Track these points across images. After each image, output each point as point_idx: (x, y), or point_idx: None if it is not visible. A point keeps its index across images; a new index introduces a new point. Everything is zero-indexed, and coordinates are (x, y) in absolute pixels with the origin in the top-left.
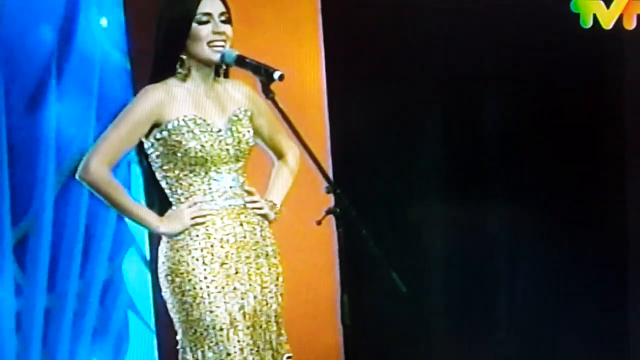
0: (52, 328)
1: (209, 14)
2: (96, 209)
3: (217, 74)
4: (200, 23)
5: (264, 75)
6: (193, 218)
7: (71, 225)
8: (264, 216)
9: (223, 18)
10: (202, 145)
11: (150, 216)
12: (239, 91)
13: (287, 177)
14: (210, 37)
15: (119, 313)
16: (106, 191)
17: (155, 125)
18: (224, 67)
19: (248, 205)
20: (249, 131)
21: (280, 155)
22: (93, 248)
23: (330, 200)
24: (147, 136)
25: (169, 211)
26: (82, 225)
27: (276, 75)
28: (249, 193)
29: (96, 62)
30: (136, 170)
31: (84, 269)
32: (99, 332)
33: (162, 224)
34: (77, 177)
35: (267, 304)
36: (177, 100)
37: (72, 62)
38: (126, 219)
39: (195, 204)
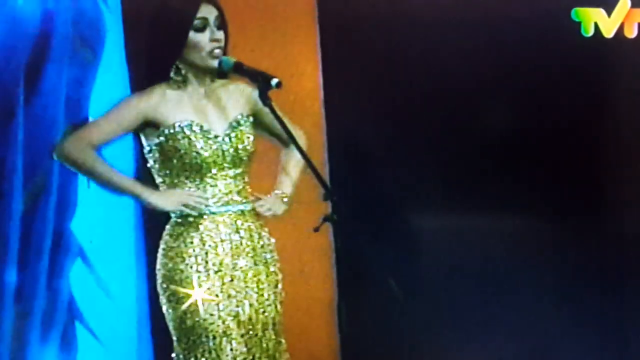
0: (21, 339)
1: (205, 19)
2: (63, 224)
3: (219, 76)
4: (198, 30)
5: (262, 82)
6: (185, 205)
7: (38, 240)
8: (275, 215)
9: (217, 23)
10: (197, 152)
11: (137, 186)
12: (242, 94)
13: (298, 160)
14: (208, 46)
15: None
16: (82, 164)
17: (150, 126)
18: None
19: (259, 210)
20: (248, 137)
21: (287, 142)
22: (59, 261)
23: (328, 208)
24: (146, 140)
25: (163, 188)
26: (49, 241)
27: (273, 82)
28: (255, 198)
29: (63, 84)
30: None
31: (50, 281)
32: (65, 343)
33: (153, 196)
34: (54, 157)
35: (264, 311)
36: (174, 105)
37: (42, 81)
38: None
39: (194, 193)
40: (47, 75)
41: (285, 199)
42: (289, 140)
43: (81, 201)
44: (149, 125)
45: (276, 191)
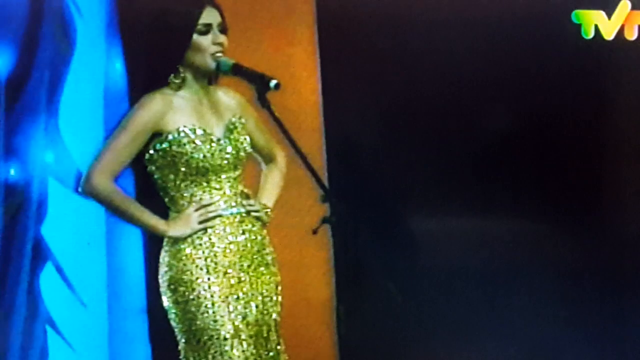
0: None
1: (209, 25)
2: (38, 230)
3: (208, 82)
4: (201, 33)
5: (260, 83)
6: (201, 222)
7: (18, 253)
8: (259, 219)
9: (220, 28)
10: (204, 155)
11: (157, 221)
12: (231, 98)
13: (277, 180)
14: (212, 48)
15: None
16: (110, 202)
17: (155, 135)
18: (215, 75)
19: (247, 208)
20: (245, 139)
21: (269, 159)
22: (36, 267)
23: (326, 209)
24: (146, 146)
25: (172, 214)
26: (30, 252)
27: (272, 83)
28: (246, 196)
29: (44, 90)
30: None
31: (31, 287)
32: (24, 349)
33: (170, 228)
34: (79, 190)
35: (267, 313)
36: (176, 110)
37: (23, 90)
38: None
39: (202, 207)
40: (29, 83)
41: (268, 211)
42: (272, 153)
43: (51, 206)
44: (155, 135)
45: (260, 200)
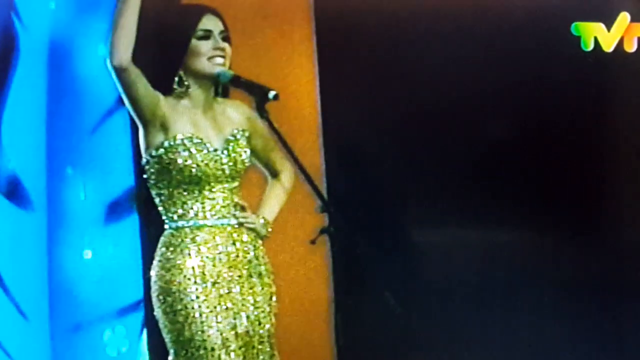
0: None
1: (209, 31)
2: None
3: (216, 94)
4: (201, 38)
5: (259, 94)
6: None
7: None
8: (255, 231)
9: (222, 36)
10: (197, 164)
11: None
12: (238, 111)
13: (280, 195)
14: (210, 53)
15: None
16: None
17: (156, 127)
18: (221, 86)
19: (240, 220)
20: (245, 151)
21: (274, 174)
22: None
23: (325, 220)
24: (146, 150)
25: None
26: None
27: (271, 94)
28: (241, 208)
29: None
30: None
31: None
32: None
33: None
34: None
35: (260, 324)
36: (175, 116)
37: None
38: None
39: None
40: None
41: (268, 228)
42: (278, 169)
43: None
44: (157, 123)
45: (260, 214)
